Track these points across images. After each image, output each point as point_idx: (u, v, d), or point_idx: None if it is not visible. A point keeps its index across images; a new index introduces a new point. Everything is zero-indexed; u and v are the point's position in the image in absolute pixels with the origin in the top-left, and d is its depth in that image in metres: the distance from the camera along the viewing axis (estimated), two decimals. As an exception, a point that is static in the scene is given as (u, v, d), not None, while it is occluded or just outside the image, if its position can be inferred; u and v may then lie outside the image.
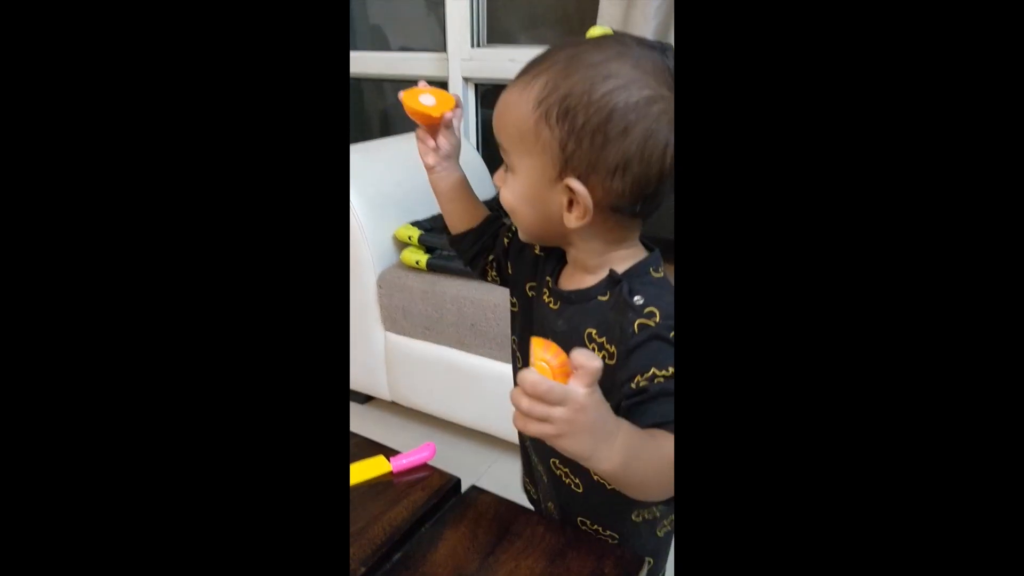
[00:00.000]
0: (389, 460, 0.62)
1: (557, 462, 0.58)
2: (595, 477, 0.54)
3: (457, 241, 0.64)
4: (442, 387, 1.27)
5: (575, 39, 0.49)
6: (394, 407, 1.42)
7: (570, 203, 0.47)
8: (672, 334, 0.46)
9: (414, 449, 0.63)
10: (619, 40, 0.47)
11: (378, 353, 1.33)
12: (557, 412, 0.36)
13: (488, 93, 1.75)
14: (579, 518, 0.58)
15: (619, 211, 0.48)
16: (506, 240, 0.62)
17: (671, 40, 1.36)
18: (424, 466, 0.62)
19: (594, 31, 1.01)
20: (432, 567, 0.51)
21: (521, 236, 0.54)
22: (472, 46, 1.67)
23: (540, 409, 0.36)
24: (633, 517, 0.57)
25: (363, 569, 0.50)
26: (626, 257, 0.51)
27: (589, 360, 0.36)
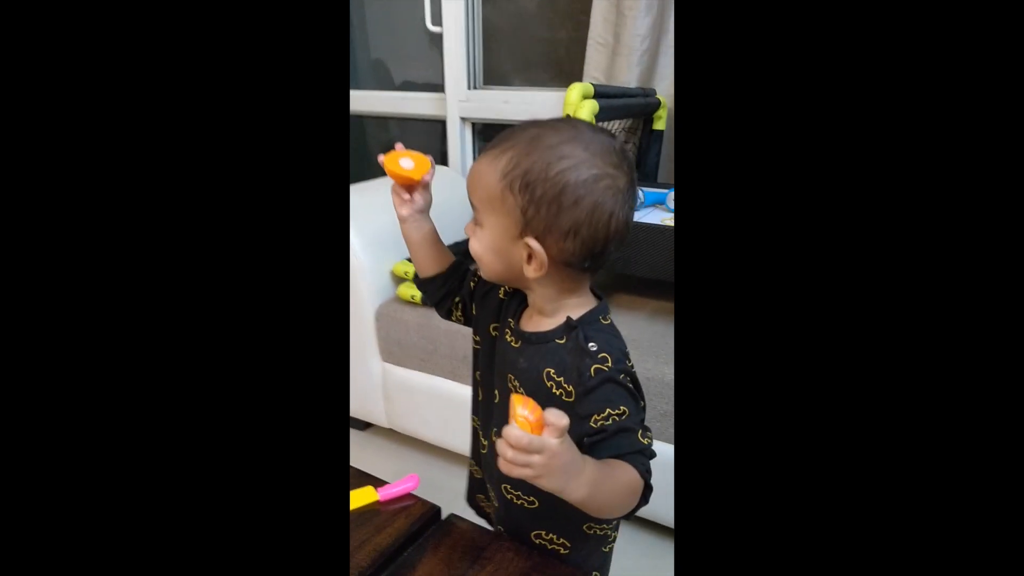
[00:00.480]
0: (377, 490, 0.68)
1: (508, 487, 0.64)
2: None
3: (425, 284, 0.71)
4: (436, 415, 1.33)
5: (536, 120, 0.57)
6: (391, 434, 1.48)
7: (529, 257, 0.55)
8: (622, 376, 0.54)
9: (400, 480, 0.69)
10: (573, 125, 0.55)
11: (376, 383, 1.39)
12: (536, 459, 0.44)
13: (484, 130, 1.83)
14: (533, 532, 0.64)
15: (571, 266, 0.56)
16: (472, 284, 0.70)
17: (655, 86, 1.44)
18: (408, 495, 0.69)
19: (574, 89, 1.08)
20: (411, 589, 0.57)
21: (486, 277, 0.62)
22: (468, 88, 1.75)
23: (522, 458, 0.44)
24: (584, 528, 0.63)
25: (348, 590, 0.56)
26: (578, 305, 0.59)
27: (559, 419, 0.43)
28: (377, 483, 0.70)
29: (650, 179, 1.46)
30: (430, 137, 2.04)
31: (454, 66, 1.74)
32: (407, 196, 0.66)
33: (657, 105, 1.38)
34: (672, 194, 1.21)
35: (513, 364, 0.61)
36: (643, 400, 0.57)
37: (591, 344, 0.55)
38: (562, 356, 0.57)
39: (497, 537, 0.63)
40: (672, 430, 1.07)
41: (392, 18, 2.07)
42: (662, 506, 1.12)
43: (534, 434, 0.43)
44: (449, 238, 1.51)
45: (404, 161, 0.64)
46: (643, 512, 0.56)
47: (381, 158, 0.64)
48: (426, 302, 0.72)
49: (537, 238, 0.54)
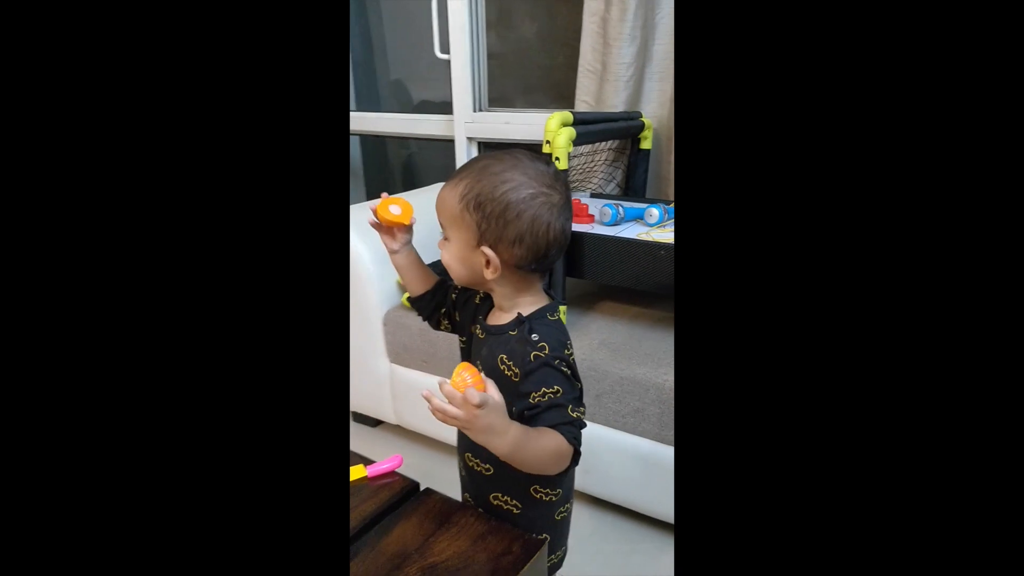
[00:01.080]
0: (366, 468, 0.81)
1: (470, 455, 0.78)
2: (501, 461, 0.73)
3: (416, 301, 0.85)
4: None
5: (487, 154, 0.72)
6: (399, 430, 1.61)
7: (487, 263, 0.69)
8: (557, 361, 0.67)
9: (387, 459, 0.82)
10: (514, 156, 0.70)
11: (384, 382, 1.52)
12: (454, 412, 0.59)
13: (489, 148, 1.96)
14: (491, 495, 0.76)
15: (521, 268, 0.70)
16: (453, 296, 0.84)
17: (641, 108, 1.55)
18: (393, 473, 0.81)
19: (554, 118, 1.20)
20: (385, 547, 0.69)
21: (456, 282, 0.76)
22: (474, 110, 1.88)
23: (449, 409, 0.60)
24: (532, 492, 0.75)
25: (336, 545, 0.68)
26: (531, 303, 0.73)
27: (473, 395, 0.58)
28: (367, 463, 0.82)
29: (638, 194, 1.57)
30: (444, 154, 2.18)
31: (461, 90, 1.87)
32: (396, 235, 0.81)
33: (641, 127, 1.49)
34: (651, 209, 1.32)
35: (478, 353, 0.75)
36: (579, 382, 0.69)
37: (534, 335, 0.69)
38: (512, 345, 0.71)
39: (463, 507, 0.75)
40: (643, 426, 1.17)
41: (409, 44, 2.21)
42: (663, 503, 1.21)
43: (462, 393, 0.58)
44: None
45: (393, 208, 0.78)
46: (644, 509, 0.67)
47: (373, 208, 0.78)
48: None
49: (490, 246, 0.68)
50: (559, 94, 1.80)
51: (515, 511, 0.75)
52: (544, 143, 1.15)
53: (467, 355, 0.80)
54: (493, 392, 0.60)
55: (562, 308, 1.26)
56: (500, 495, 0.76)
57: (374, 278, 1.45)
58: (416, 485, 0.79)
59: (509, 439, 0.61)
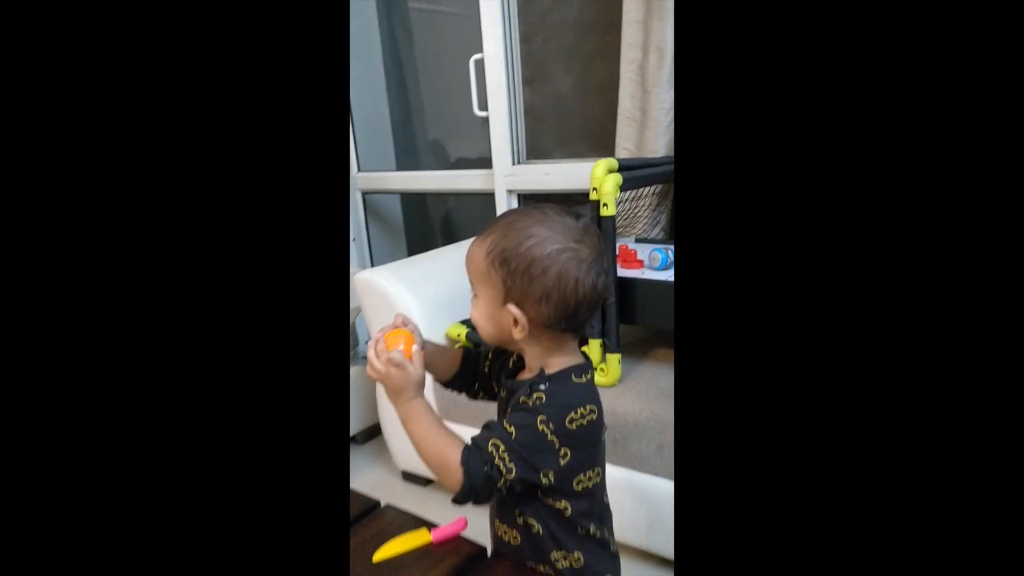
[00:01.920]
0: (430, 531, 0.78)
1: (497, 521, 0.75)
2: (533, 530, 0.71)
3: (449, 384, 0.84)
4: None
5: (514, 209, 0.73)
6: (452, 489, 1.57)
7: (515, 321, 0.67)
8: (540, 418, 0.64)
9: (451, 523, 0.79)
10: (541, 210, 0.69)
11: (436, 439, 1.49)
12: (375, 363, 0.69)
13: (529, 199, 1.97)
14: (527, 562, 0.73)
15: (550, 327, 0.68)
16: (486, 367, 0.82)
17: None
18: (458, 537, 0.78)
19: (600, 165, 1.20)
20: (458, 617, 0.65)
21: (486, 340, 0.74)
22: (513, 163, 1.91)
23: (373, 361, 0.70)
24: (552, 561, 0.71)
25: (406, 618, 0.65)
26: (560, 363, 0.70)
27: (393, 356, 0.68)
28: (430, 526, 0.79)
29: (685, 237, 1.54)
30: (482, 208, 2.20)
31: (500, 145, 1.90)
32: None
33: (685, 170, 1.48)
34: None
35: (503, 410, 0.73)
36: (553, 457, 0.64)
37: (541, 385, 0.67)
38: (518, 394, 0.69)
39: (536, 573, 0.71)
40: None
41: (448, 103, 2.28)
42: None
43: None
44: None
45: (394, 353, 0.73)
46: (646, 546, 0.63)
47: (372, 355, 0.73)
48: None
49: (517, 304, 0.66)
50: (597, 143, 1.82)
51: None
52: (591, 190, 1.15)
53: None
54: (417, 366, 0.69)
55: (614, 356, 1.23)
56: (532, 563, 0.72)
57: (424, 331, 1.44)
58: (483, 550, 0.76)
59: (409, 407, 0.68)
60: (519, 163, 1.91)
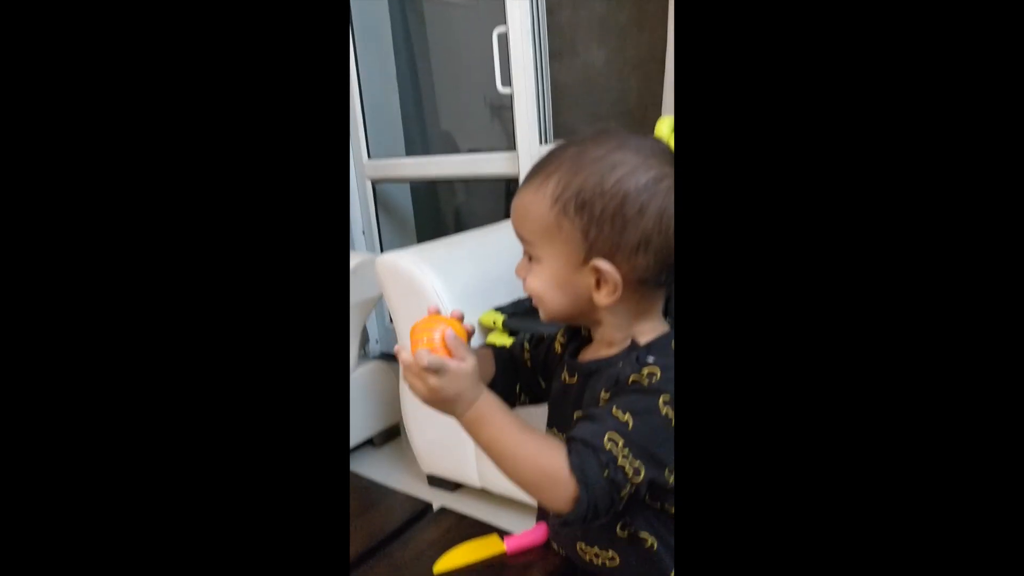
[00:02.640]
0: (503, 540, 0.63)
1: (583, 544, 0.58)
2: (646, 545, 0.55)
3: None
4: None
5: (572, 139, 0.54)
6: (483, 495, 1.41)
7: (598, 282, 0.51)
8: (662, 398, 0.48)
9: (528, 531, 0.64)
10: (614, 133, 0.53)
11: (466, 439, 1.34)
12: (417, 386, 0.51)
13: (557, 184, 1.85)
14: None
15: (645, 283, 0.52)
16: (528, 361, 0.66)
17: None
18: (539, 547, 0.63)
19: (663, 123, 1.07)
20: (559, 648, 0.51)
21: (545, 318, 0.57)
22: (540, 143, 1.78)
23: (409, 379, 0.51)
24: None
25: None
26: (649, 331, 0.54)
27: (423, 358, 0.49)
28: (503, 533, 0.65)
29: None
30: (499, 199, 2.08)
31: (525, 124, 1.77)
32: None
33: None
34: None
35: (576, 401, 0.56)
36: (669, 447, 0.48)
37: (650, 357, 0.51)
38: (617, 373, 0.52)
39: (645, 591, 0.56)
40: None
41: (462, 89, 2.17)
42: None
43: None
44: (519, 293, 1.48)
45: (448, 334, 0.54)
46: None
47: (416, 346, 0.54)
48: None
49: (606, 259, 0.50)
50: (632, 118, 1.69)
51: None
52: (655, 152, 1.02)
53: (555, 418, 0.62)
54: (461, 353, 0.51)
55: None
56: None
57: (454, 320, 1.30)
58: (571, 564, 0.61)
59: (474, 415, 0.50)
60: (546, 142, 1.78)
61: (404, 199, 2.41)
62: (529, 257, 0.55)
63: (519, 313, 1.32)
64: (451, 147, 2.33)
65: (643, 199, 0.49)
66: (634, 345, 0.53)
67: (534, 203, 0.52)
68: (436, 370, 0.49)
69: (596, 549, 0.57)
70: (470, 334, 0.56)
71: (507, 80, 1.77)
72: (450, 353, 0.50)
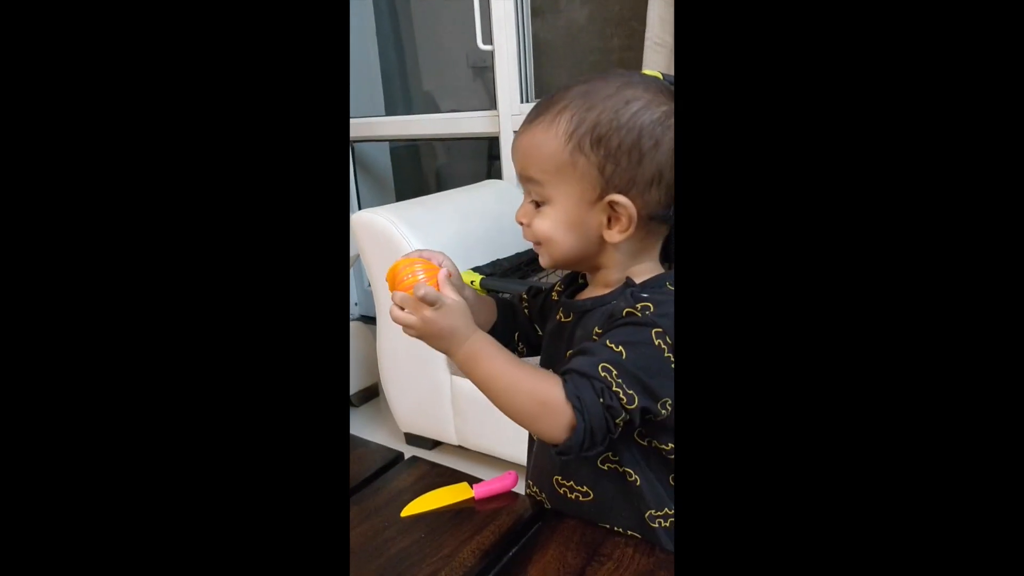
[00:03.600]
0: (472, 487, 0.64)
1: (560, 479, 0.59)
2: (628, 480, 0.55)
3: None
4: (508, 428, 1.28)
5: (579, 79, 0.53)
6: (461, 452, 1.43)
7: (609, 220, 0.52)
8: (656, 331, 0.49)
9: (496, 478, 0.64)
10: (620, 72, 0.53)
11: (444, 398, 1.35)
12: (405, 317, 0.52)
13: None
14: (600, 524, 0.58)
15: (654, 219, 0.52)
16: (526, 310, 0.66)
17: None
18: (507, 494, 0.64)
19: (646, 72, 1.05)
20: (526, 588, 0.51)
21: (547, 263, 0.57)
22: (521, 101, 1.75)
23: (401, 315, 0.52)
24: (648, 520, 0.56)
25: (457, 591, 0.51)
26: (645, 271, 0.55)
27: (423, 292, 0.50)
28: (472, 481, 0.65)
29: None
30: (479, 161, 2.06)
31: (506, 82, 1.74)
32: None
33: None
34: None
35: (570, 339, 0.56)
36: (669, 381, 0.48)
37: (644, 293, 0.51)
38: (611, 310, 0.53)
39: (611, 533, 0.57)
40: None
41: (441, 52, 2.12)
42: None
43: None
44: (509, 250, 1.49)
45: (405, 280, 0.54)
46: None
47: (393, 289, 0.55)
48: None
49: (621, 194, 0.50)
50: (615, 78, 1.67)
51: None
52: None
53: (548, 359, 0.62)
54: (450, 292, 0.52)
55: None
56: (611, 527, 0.57)
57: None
58: (543, 508, 0.62)
59: (470, 349, 0.51)
60: (527, 101, 1.75)
61: (383, 160, 2.37)
62: (536, 202, 0.54)
63: (496, 274, 1.32)
64: (431, 106, 2.29)
65: (657, 133, 0.49)
66: (629, 283, 0.54)
67: (546, 142, 0.51)
68: (432, 303, 0.50)
69: (572, 483, 0.58)
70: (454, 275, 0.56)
71: (488, 38, 1.73)
72: (434, 280, 0.52)
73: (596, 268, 0.57)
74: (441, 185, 2.43)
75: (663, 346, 0.48)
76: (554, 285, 0.65)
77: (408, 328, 0.52)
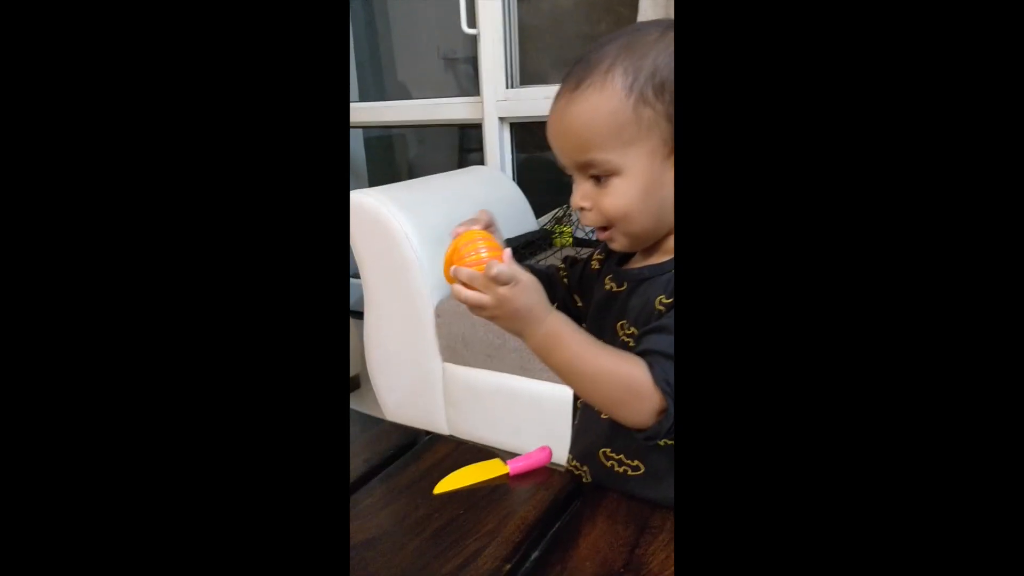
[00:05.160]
0: (506, 463, 0.61)
1: (608, 451, 0.56)
2: (662, 453, 0.53)
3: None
4: (504, 417, 1.25)
5: (606, 37, 0.50)
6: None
7: None
8: None
9: (531, 452, 0.62)
10: (652, 21, 0.50)
11: (435, 386, 1.31)
12: (476, 297, 0.48)
13: (526, 129, 1.80)
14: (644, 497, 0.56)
15: None
16: (565, 279, 0.64)
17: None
18: (543, 469, 0.61)
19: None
20: (578, 562, 0.49)
21: (623, 245, 0.53)
22: (507, 87, 1.72)
23: (470, 295, 0.48)
24: None
25: (508, 566, 0.48)
26: None
27: (496, 269, 0.46)
28: (505, 456, 0.62)
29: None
30: (452, 151, 2.02)
31: (491, 67, 1.71)
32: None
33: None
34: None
35: (622, 310, 0.53)
36: None
37: None
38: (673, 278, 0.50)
39: (657, 507, 0.55)
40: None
41: (417, 41, 2.09)
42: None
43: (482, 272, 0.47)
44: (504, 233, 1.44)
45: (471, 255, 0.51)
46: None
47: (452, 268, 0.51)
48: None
49: None
50: (602, 65, 1.66)
51: None
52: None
53: (595, 330, 0.57)
54: (517, 269, 0.47)
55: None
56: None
57: (424, 262, 1.25)
58: (580, 482, 0.60)
59: (550, 332, 0.47)
60: (513, 87, 1.73)
61: (356, 148, 2.31)
62: (596, 179, 0.49)
63: (490, 256, 1.29)
64: (405, 97, 2.25)
65: None
66: None
67: (601, 103, 0.47)
68: (506, 281, 0.46)
69: (621, 456, 0.55)
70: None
71: (472, 21, 1.70)
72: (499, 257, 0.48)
73: (664, 238, 0.52)
74: (414, 176, 2.38)
75: None
76: (592, 254, 0.62)
77: (479, 309, 0.48)
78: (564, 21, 1.69)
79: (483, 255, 0.49)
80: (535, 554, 0.50)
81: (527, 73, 1.75)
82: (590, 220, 0.52)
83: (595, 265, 0.61)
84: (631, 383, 0.45)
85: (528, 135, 1.80)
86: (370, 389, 1.44)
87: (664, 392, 0.45)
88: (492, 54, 1.70)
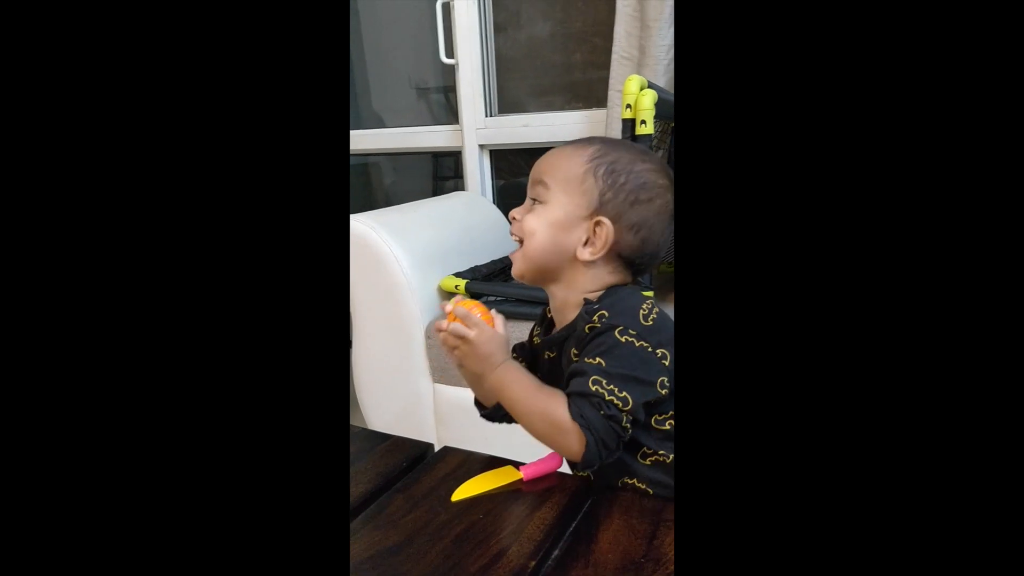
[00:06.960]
0: (519, 469, 0.62)
1: (625, 480, 0.61)
2: (669, 461, 0.59)
3: (493, 412, 0.69)
4: (495, 435, 1.26)
5: (602, 138, 0.64)
6: (442, 464, 1.39)
7: (588, 240, 0.58)
8: (618, 330, 0.55)
9: (542, 459, 0.64)
10: (638, 146, 0.64)
11: (427, 406, 1.32)
12: (463, 331, 0.58)
13: (505, 156, 1.84)
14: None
15: (621, 259, 0.60)
16: (522, 363, 0.68)
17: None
18: (554, 474, 0.63)
19: (632, 80, 1.09)
20: (600, 555, 0.51)
21: (518, 266, 0.62)
22: (485, 115, 1.77)
23: (460, 328, 0.58)
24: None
25: (533, 563, 0.50)
26: (598, 291, 0.61)
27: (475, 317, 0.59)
28: (515, 464, 0.64)
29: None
30: (423, 175, 2.05)
31: (470, 96, 1.76)
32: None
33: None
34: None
35: (561, 372, 0.60)
36: (657, 354, 0.55)
37: (595, 305, 0.57)
38: (579, 333, 0.58)
39: (668, 501, 0.58)
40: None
41: (391, 71, 2.13)
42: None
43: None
44: (484, 256, 1.48)
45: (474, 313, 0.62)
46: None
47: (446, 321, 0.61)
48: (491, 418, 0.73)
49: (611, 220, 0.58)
50: (576, 94, 1.72)
51: None
52: (624, 108, 1.04)
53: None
54: (500, 326, 0.60)
55: (647, 293, 1.12)
56: None
57: (415, 286, 1.26)
58: (590, 483, 0.62)
59: (503, 373, 0.57)
60: (491, 116, 1.78)
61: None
62: (535, 201, 0.61)
63: (479, 277, 1.31)
64: (379, 125, 2.28)
65: (655, 193, 0.58)
66: (586, 302, 0.59)
67: (571, 158, 0.60)
68: (476, 325, 0.58)
69: (635, 481, 0.60)
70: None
71: (451, 52, 1.75)
72: (490, 321, 0.60)
73: (555, 282, 0.61)
74: (391, 203, 2.40)
75: (630, 339, 0.54)
76: (531, 332, 0.70)
77: (454, 348, 0.60)
78: (540, 51, 1.75)
79: (476, 315, 0.60)
80: (556, 552, 0.52)
81: (505, 102, 1.80)
82: (513, 230, 0.62)
83: (536, 340, 0.68)
84: (555, 421, 0.53)
85: (505, 162, 1.84)
86: (358, 410, 1.44)
87: (580, 426, 0.52)
88: (471, 83, 1.75)
